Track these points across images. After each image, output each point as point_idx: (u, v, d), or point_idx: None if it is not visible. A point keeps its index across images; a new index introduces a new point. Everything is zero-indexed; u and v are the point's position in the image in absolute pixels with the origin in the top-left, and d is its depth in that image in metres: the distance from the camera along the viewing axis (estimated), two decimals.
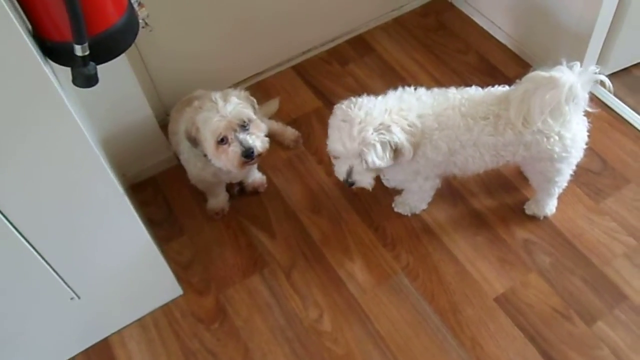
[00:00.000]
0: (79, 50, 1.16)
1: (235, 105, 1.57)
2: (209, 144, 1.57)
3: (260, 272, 1.82)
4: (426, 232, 1.86)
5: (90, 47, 1.17)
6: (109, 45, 1.27)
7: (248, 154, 1.57)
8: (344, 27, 2.42)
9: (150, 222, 1.94)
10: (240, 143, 1.57)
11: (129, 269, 1.58)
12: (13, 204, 1.21)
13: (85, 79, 1.22)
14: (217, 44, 2.12)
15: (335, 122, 1.57)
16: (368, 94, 2.20)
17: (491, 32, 2.40)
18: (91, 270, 1.50)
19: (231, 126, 1.55)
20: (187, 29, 2.01)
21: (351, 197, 1.96)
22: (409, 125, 1.53)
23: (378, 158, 1.51)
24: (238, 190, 2.00)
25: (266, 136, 1.66)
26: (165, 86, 2.11)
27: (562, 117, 1.52)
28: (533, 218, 1.85)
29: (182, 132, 1.67)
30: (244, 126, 1.58)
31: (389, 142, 1.51)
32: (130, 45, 1.33)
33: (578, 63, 1.47)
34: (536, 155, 1.59)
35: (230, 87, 2.23)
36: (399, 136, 1.51)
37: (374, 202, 1.94)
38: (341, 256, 1.83)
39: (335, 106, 1.60)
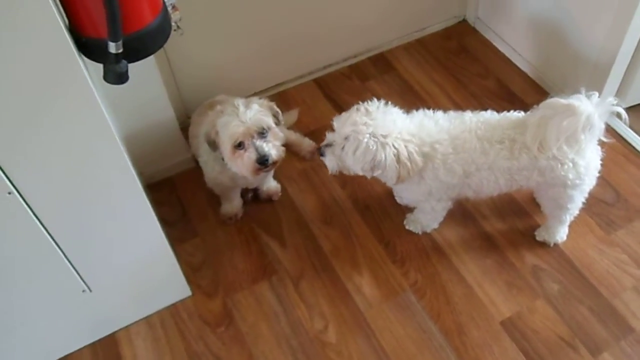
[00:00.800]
0: (112, 48, 1.19)
1: (256, 112, 1.59)
2: (226, 148, 1.60)
3: (269, 280, 1.83)
4: (436, 251, 1.87)
5: (123, 45, 1.20)
6: (141, 45, 1.30)
7: (262, 161, 1.60)
8: (367, 45, 2.46)
9: (164, 222, 1.96)
10: (256, 150, 1.59)
11: (141, 266, 1.60)
12: (36, 193, 1.24)
13: (116, 76, 1.25)
14: (242, 53, 2.16)
15: (354, 107, 1.63)
16: None
17: (512, 58, 2.43)
18: (105, 264, 1.52)
19: (249, 132, 1.58)
20: (216, 36, 2.05)
21: (363, 210, 1.98)
22: (408, 157, 1.55)
23: (353, 157, 1.56)
24: (252, 197, 2.02)
25: (283, 145, 1.68)
26: (188, 90, 2.14)
27: (578, 145, 1.54)
28: (543, 244, 1.86)
29: (203, 135, 1.70)
30: (262, 133, 1.60)
31: (375, 155, 1.54)
32: (162, 46, 1.36)
33: (596, 93, 1.49)
34: (550, 181, 1.60)
35: (251, 95, 2.28)
36: (387, 158, 1.53)
37: (385, 217, 1.96)
38: (350, 269, 1.84)
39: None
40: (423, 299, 1.77)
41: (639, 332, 1.67)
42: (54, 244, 1.35)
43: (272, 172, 1.92)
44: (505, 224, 1.92)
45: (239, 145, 1.59)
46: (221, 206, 1.97)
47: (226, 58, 2.13)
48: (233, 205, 1.95)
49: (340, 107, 2.29)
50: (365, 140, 1.53)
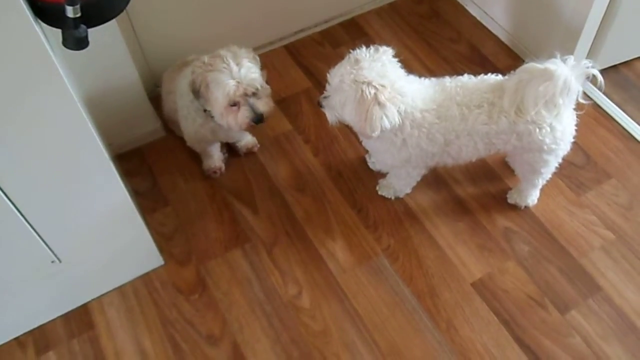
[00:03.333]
0: (70, 12, 1.16)
1: (248, 70, 1.60)
2: (218, 105, 1.60)
3: (242, 247, 1.83)
4: (409, 216, 1.88)
5: (81, 10, 1.16)
6: (101, 9, 1.27)
7: (257, 120, 1.62)
8: (338, 10, 2.42)
9: (135, 193, 1.94)
10: (252, 108, 1.61)
11: (111, 236, 1.58)
12: None
13: (75, 42, 1.22)
14: (209, 18, 2.11)
15: (349, 54, 1.59)
16: None
17: (484, 22, 2.42)
18: (73, 233, 1.50)
19: (245, 92, 1.59)
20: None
21: (336, 177, 1.97)
22: (386, 101, 1.50)
23: (342, 108, 1.56)
24: (226, 155, 2.01)
25: None
26: (155, 57, 2.10)
27: (556, 110, 1.54)
28: (514, 207, 1.88)
29: (183, 87, 1.70)
30: (254, 92, 1.62)
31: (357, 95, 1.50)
32: (122, 10, 1.33)
33: (572, 56, 1.48)
34: (526, 145, 1.61)
35: None
36: (366, 97, 1.49)
37: (358, 183, 1.96)
38: (323, 235, 1.84)
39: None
40: (396, 263, 1.78)
41: (606, 290, 1.70)
42: (18, 214, 1.33)
43: None
44: (477, 187, 1.93)
45: (233, 104, 1.61)
46: (203, 163, 1.97)
47: (193, 24, 2.08)
48: (214, 159, 1.95)
49: (312, 74, 2.27)
50: (347, 89, 1.52)
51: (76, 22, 1.18)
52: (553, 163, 1.72)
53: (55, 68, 1.15)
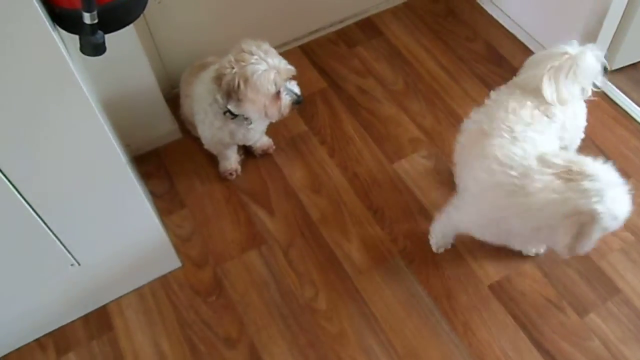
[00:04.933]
0: (87, 19, 1.16)
1: (280, 58, 1.65)
2: (263, 96, 1.62)
3: (258, 249, 1.83)
4: (425, 217, 1.87)
5: (99, 16, 1.17)
6: (117, 15, 1.28)
7: (299, 101, 1.69)
8: (354, 9, 2.41)
9: (152, 195, 1.96)
10: (292, 91, 1.67)
11: (129, 239, 1.60)
12: (17, 168, 1.23)
13: (92, 48, 1.22)
14: (225, 18, 2.11)
15: None
16: (374, 77, 2.23)
17: (500, 20, 2.39)
18: (92, 237, 1.51)
19: (284, 78, 1.64)
20: (196, 1, 2.01)
21: (352, 178, 1.97)
22: None
23: None
24: (242, 157, 2.02)
25: None
26: (172, 59, 2.11)
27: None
28: None
29: (201, 92, 1.74)
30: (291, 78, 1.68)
31: None
32: (138, 16, 1.34)
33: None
34: None
35: None
36: None
37: (374, 184, 1.95)
38: (339, 236, 1.84)
39: None
40: (412, 265, 1.78)
41: (626, 292, 1.69)
42: (38, 219, 1.35)
43: (264, 129, 1.94)
44: None
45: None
46: (219, 164, 1.98)
47: (208, 25, 2.09)
48: (231, 161, 1.97)
49: (327, 74, 2.27)
50: None
51: (93, 28, 1.19)
52: None
53: (73, 75, 1.16)
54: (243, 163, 2.01)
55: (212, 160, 2.00)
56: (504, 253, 1.78)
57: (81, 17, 1.16)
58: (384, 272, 1.77)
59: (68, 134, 1.24)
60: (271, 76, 1.60)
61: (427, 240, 1.81)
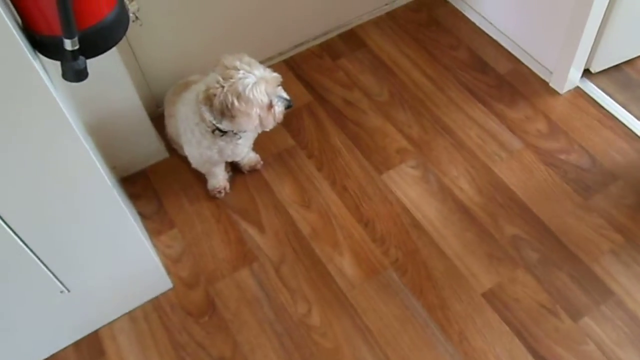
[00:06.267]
0: (68, 45, 1.16)
1: (264, 68, 1.66)
2: (258, 108, 1.62)
3: (250, 266, 1.82)
4: (416, 228, 1.87)
5: (80, 41, 1.16)
6: (98, 40, 1.27)
7: (290, 105, 1.71)
8: (337, 21, 2.42)
9: (141, 216, 1.94)
10: (282, 98, 1.69)
11: (119, 263, 1.58)
12: (1, 196, 1.21)
13: (74, 74, 1.22)
14: (208, 36, 2.11)
15: None
16: (359, 89, 2.23)
17: (483, 27, 2.41)
18: (81, 263, 1.50)
19: (273, 87, 1.66)
20: (178, 20, 2.00)
21: (341, 191, 1.97)
22: None
23: None
24: (230, 174, 2.01)
25: None
26: (156, 78, 2.10)
27: None
28: (522, 214, 1.87)
29: (185, 112, 1.74)
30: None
31: None
32: (120, 40, 1.33)
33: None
34: None
35: None
36: None
37: (364, 197, 1.95)
38: (330, 251, 1.83)
39: None
40: (405, 276, 1.77)
41: (619, 295, 1.69)
42: (25, 247, 1.33)
43: (252, 144, 1.94)
44: (483, 196, 1.92)
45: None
46: (208, 183, 1.97)
47: (191, 43, 2.09)
48: (219, 179, 1.96)
49: (312, 88, 2.27)
50: None
51: (75, 54, 1.18)
52: None
53: (55, 102, 1.16)
54: (231, 180, 2.00)
55: (200, 178, 2.00)
56: (495, 260, 1.78)
57: (62, 43, 1.15)
58: (377, 285, 1.76)
59: (52, 160, 1.23)
60: (262, 87, 1.61)
61: (419, 251, 1.81)
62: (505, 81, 2.23)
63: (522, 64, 2.28)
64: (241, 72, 1.60)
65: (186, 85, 1.87)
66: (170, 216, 1.95)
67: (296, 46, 2.39)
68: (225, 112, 1.61)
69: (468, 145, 2.06)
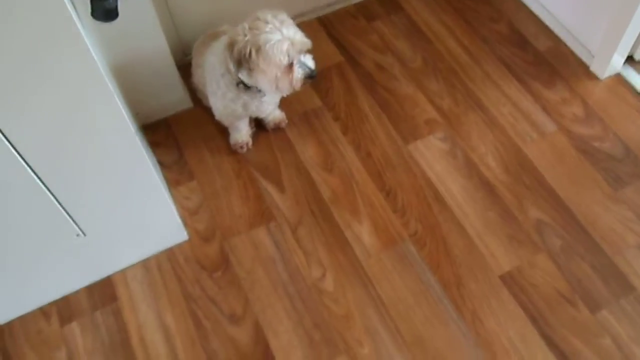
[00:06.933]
0: None
1: (295, 29, 1.59)
2: (275, 67, 1.57)
3: (267, 225, 1.80)
4: (438, 202, 1.83)
5: None
6: None
7: (312, 75, 1.62)
8: None
9: (161, 164, 1.92)
10: (305, 65, 1.61)
11: (135, 210, 1.56)
12: (21, 135, 1.18)
13: (104, 13, 1.18)
14: None
15: None
16: (392, 53, 2.17)
17: (526, 1, 2.31)
18: (98, 207, 1.48)
19: (299, 50, 1.58)
20: None
21: (365, 158, 1.93)
22: None
23: None
24: (254, 130, 1.97)
25: None
26: (185, 24, 2.04)
27: None
28: (548, 198, 1.82)
29: (212, 62, 1.67)
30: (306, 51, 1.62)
31: None
32: None
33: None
34: None
35: None
36: None
37: (387, 165, 1.91)
38: (349, 217, 1.81)
39: None
40: (423, 250, 1.74)
41: None
42: (44, 188, 1.31)
43: (278, 102, 1.89)
44: (509, 175, 1.87)
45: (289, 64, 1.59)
46: (230, 136, 1.93)
47: None
48: (242, 134, 1.92)
49: (344, 48, 2.20)
50: None
51: None
52: None
53: (83, 40, 1.11)
54: (254, 136, 1.96)
55: (223, 131, 1.96)
56: (516, 242, 1.75)
57: None
58: (394, 256, 1.73)
59: (74, 99, 1.19)
60: (284, 47, 1.54)
61: (440, 225, 1.78)
62: (544, 59, 2.15)
63: (563, 43, 2.19)
64: (269, 26, 1.54)
65: (215, 36, 1.82)
66: (190, 167, 1.92)
67: (331, 4, 2.31)
68: (243, 62, 1.57)
69: (499, 123, 2.00)
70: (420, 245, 1.75)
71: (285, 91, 1.65)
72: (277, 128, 1.98)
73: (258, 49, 1.54)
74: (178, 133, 2.00)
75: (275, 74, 1.58)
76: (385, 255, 1.74)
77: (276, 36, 1.54)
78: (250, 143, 1.94)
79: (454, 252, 1.74)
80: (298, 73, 1.60)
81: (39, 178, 1.28)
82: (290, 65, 1.58)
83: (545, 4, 2.24)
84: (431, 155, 1.93)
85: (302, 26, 2.23)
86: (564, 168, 1.89)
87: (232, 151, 1.94)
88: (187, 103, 2.04)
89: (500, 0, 2.33)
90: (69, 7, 1.07)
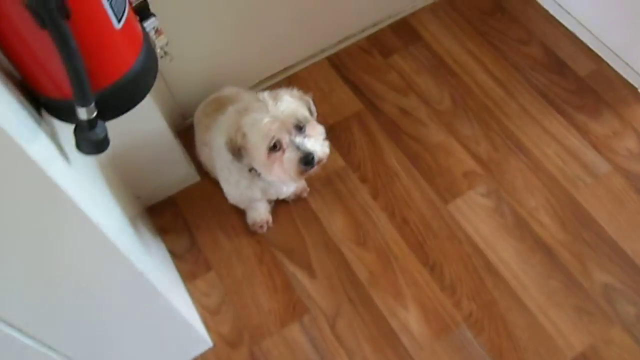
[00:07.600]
0: (83, 114, 0.90)
1: (288, 103, 1.31)
2: (259, 152, 1.31)
3: (300, 320, 1.58)
4: (490, 273, 1.61)
5: (97, 104, 0.90)
6: (122, 98, 0.99)
7: (308, 160, 1.31)
8: (387, 10, 2.08)
9: (172, 254, 1.70)
10: (298, 148, 1.30)
11: (153, 340, 1.35)
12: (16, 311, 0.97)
13: (92, 145, 0.96)
14: (241, 37, 1.79)
15: None
16: (416, 94, 1.93)
17: (558, 17, 2.06)
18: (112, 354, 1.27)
19: (285, 128, 1.29)
20: (209, 25, 1.68)
21: (401, 225, 1.70)
22: None
23: None
24: (273, 204, 1.74)
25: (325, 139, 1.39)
26: (182, 87, 1.80)
27: None
28: (613, 256, 1.59)
29: (221, 145, 1.42)
30: (300, 128, 1.32)
31: None
32: (149, 91, 1.05)
33: None
34: None
35: (257, 84, 1.96)
36: None
37: (428, 232, 1.68)
38: (393, 302, 1.59)
39: None
40: (481, 335, 1.52)
41: None
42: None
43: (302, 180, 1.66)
44: (567, 233, 1.65)
45: (275, 147, 1.30)
46: (247, 215, 1.70)
47: (223, 46, 1.77)
48: (261, 212, 1.68)
49: (361, 92, 1.96)
50: None
51: (91, 123, 0.91)
52: None
53: (78, 209, 0.88)
54: (274, 211, 1.73)
55: (238, 208, 1.73)
56: (585, 315, 1.53)
57: (74, 109, 0.88)
58: (449, 345, 1.52)
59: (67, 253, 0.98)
60: (265, 126, 1.28)
61: (496, 303, 1.56)
62: (587, 86, 1.91)
63: (607, 64, 1.94)
64: (258, 104, 1.31)
65: (219, 103, 1.59)
66: (205, 255, 1.70)
67: (341, 41, 2.06)
68: (236, 152, 1.35)
69: (546, 167, 1.77)
70: (478, 330, 1.53)
71: (282, 180, 1.39)
72: (298, 198, 1.75)
73: (243, 135, 1.32)
74: (187, 213, 1.78)
75: (263, 161, 1.33)
76: (439, 346, 1.52)
77: (259, 115, 1.29)
78: (271, 221, 1.71)
79: (516, 334, 1.52)
80: (289, 159, 1.31)
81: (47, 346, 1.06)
82: (278, 149, 1.31)
83: (582, 20, 1.98)
84: (475, 215, 1.70)
85: (312, 69, 2.03)
86: (625, 216, 1.67)
87: (251, 231, 1.72)
88: (193, 177, 1.81)
89: (528, 17, 2.08)
90: (52, 149, 0.85)
